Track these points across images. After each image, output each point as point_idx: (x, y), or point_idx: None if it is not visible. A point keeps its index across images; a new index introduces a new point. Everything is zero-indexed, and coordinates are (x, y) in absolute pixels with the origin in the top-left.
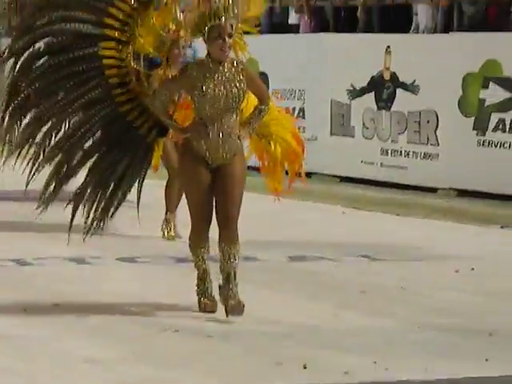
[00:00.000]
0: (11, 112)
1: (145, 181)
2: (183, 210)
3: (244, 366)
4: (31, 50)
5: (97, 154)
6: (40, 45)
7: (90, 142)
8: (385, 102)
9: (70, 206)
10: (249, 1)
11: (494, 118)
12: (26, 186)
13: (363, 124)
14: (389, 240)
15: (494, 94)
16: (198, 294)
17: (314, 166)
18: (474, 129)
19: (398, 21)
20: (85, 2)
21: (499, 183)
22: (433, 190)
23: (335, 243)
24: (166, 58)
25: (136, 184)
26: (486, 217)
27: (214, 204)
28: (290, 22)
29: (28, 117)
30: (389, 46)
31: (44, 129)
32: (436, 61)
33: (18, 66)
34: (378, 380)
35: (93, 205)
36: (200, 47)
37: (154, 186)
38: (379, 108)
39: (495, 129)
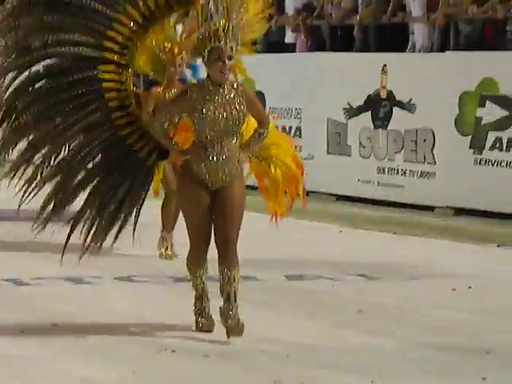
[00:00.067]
0: (6, 135)
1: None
2: (180, 230)
3: None
4: (28, 72)
5: (97, 178)
6: (38, 67)
7: (89, 166)
8: (381, 121)
9: (67, 227)
10: (249, 24)
11: (491, 136)
12: (19, 206)
13: (360, 143)
14: (386, 259)
15: (490, 113)
16: (195, 314)
17: (310, 185)
18: (470, 147)
19: (394, 40)
20: (83, 24)
21: (496, 202)
22: (430, 209)
23: (332, 262)
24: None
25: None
26: (483, 235)
27: (212, 226)
28: (286, 41)
29: (25, 142)
30: (385, 65)
31: (42, 151)
32: (432, 79)
33: (14, 87)
34: None
35: (92, 228)
36: (200, 65)
37: (151, 205)
38: (376, 127)
39: (492, 147)
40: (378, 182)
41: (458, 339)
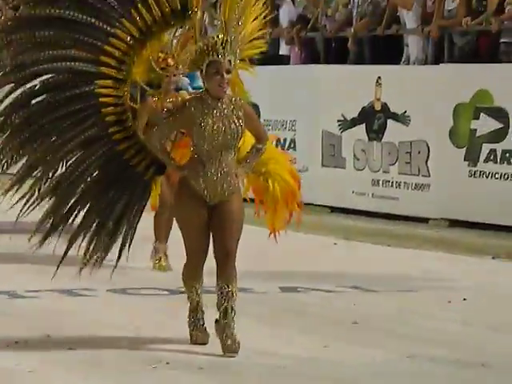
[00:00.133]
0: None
1: None
2: (173, 242)
3: None
4: (24, 88)
5: (95, 193)
6: (34, 82)
7: (87, 181)
8: (376, 133)
9: (64, 242)
10: (248, 38)
11: (486, 148)
12: (16, 219)
13: (354, 155)
14: (380, 271)
15: (485, 125)
16: (189, 326)
17: (305, 197)
18: (465, 159)
19: (388, 52)
20: (79, 39)
21: (491, 214)
22: (424, 221)
23: (327, 274)
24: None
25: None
26: (478, 247)
27: (209, 240)
28: (280, 53)
29: (23, 158)
30: (380, 77)
31: (40, 168)
32: (427, 92)
33: (10, 101)
34: None
35: (91, 243)
36: (198, 74)
37: (146, 217)
38: (370, 139)
39: (486, 159)
40: (373, 194)
41: (453, 351)
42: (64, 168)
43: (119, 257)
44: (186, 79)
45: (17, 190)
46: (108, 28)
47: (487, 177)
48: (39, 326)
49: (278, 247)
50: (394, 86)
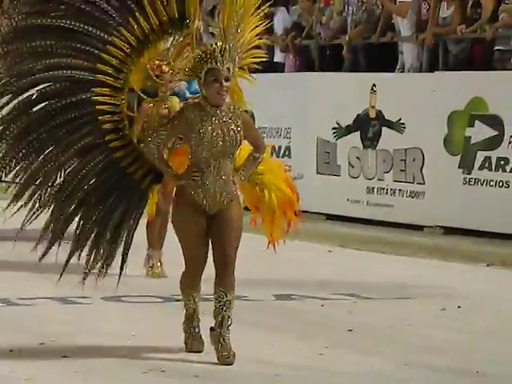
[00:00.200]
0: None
1: None
2: (168, 249)
3: None
4: (22, 98)
5: (93, 202)
6: (33, 92)
7: (85, 190)
8: (370, 141)
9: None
10: (247, 46)
11: (480, 156)
12: (21, 228)
13: (349, 162)
14: (375, 278)
15: (479, 132)
16: (185, 334)
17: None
18: (459, 167)
19: (383, 60)
20: (76, 47)
21: (485, 221)
22: (419, 228)
23: (322, 282)
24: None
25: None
26: (473, 255)
27: (208, 249)
28: (275, 60)
29: (22, 171)
30: (374, 85)
31: (39, 177)
32: (421, 99)
33: (7, 112)
34: None
35: (91, 253)
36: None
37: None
38: (365, 146)
39: (481, 167)
40: (368, 202)
41: (448, 359)
42: (62, 177)
43: (122, 266)
44: (184, 83)
45: (17, 200)
46: (105, 36)
47: (482, 184)
48: (34, 333)
49: (273, 255)
50: (388, 94)
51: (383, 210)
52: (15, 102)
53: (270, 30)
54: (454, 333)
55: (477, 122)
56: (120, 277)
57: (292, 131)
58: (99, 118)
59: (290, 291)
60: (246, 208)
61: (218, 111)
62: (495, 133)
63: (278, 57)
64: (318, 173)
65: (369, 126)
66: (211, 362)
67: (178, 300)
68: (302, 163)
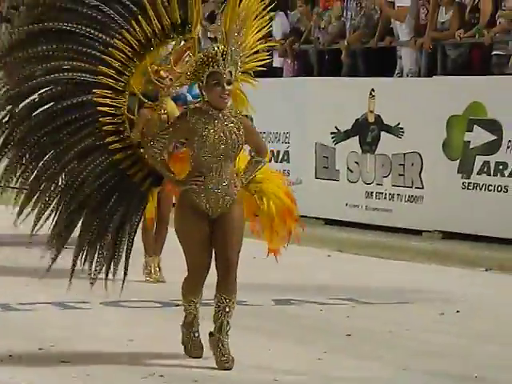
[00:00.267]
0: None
1: None
2: (167, 255)
3: None
4: (24, 103)
5: (94, 205)
6: (34, 97)
7: (86, 192)
8: (369, 145)
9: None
10: (249, 50)
11: (479, 160)
12: (31, 235)
13: (348, 167)
14: (374, 283)
15: (478, 137)
16: (184, 339)
17: (298, 209)
18: (458, 171)
19: (382, 64)
20: (78, 50)
21: (484, 226)
22: (418, 233)
23: (320, 286)
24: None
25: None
26: (471, 259)
27: (211, 255)
28: (273, 65)
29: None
30: (373, 90)
31: (44, 182)
32: (420, 104)
33: (10, 118)
34: None
35: (93, 256)
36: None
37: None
38: (364, 151)
39: (480, 171)
40: (366, 207)
41: (447, 363)
42: (63, 180)
43: (126, 271)
44: (185, 87)
45: (25, 207)
46: (107, 39)
47: (481, 189)
48: (33, 339)
49: (272, 260)
50: (387, 99)
51: (382, 214)
52: (18, 107)
53: (268, 35)
54: (452, 337)
55: (475, 126)
56: (124, 280)
57: (291, 136)
58: (100, 119)
59: (288, 296)
60: None
61: (220, 114)
62: (494, 137)
63: (277, 62)
64: (316, 177)
65: (367, 131)
66: (210, 367)
67: (177, 305)
68: (301, 168)
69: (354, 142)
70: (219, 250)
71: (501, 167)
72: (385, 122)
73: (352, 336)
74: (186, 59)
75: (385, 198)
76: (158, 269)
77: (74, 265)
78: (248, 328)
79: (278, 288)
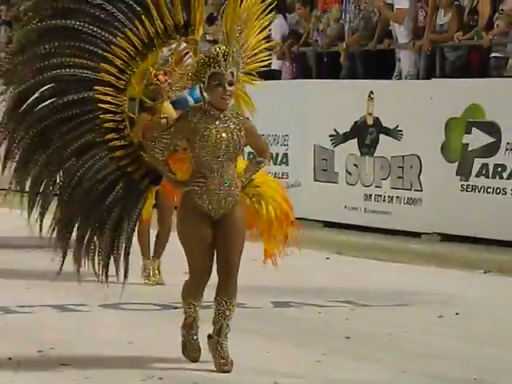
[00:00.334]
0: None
1: None
2: (167, 258)
3: None
4: (27, 101)
5: (92, 201)
6: (36, 95)
7: (85, 189)
8: (368, 148)
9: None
10: (251, 51)
11: (478, 163)
12: (41, 233)
13: (346, 170)
14: (373, 285)
15: (477, 139)
16: (182, 341)
17: (297, 212)
18: (457, 174)
19: (380, 67)
20: (80, 47)
21: (483, 228)
22: (416, 235)
23: (319, 289)
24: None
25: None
26: (470, 262)
27: (214, 257)
28: (272, 67)
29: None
30: (372, 92)
31: (45, 180)
32: (419, 106)
33: (15, 115)
34: None
35: (94, 253)
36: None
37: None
38: (362, 153)
39: (478, 174)
40: (365, 209)
41: (445, 366)
42: (62, 177)
43: (126, 272)
44: (185, 91)
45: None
46: (110, 37)
47: (479, 191)
48: (32, 341)
49: (270, 261)
50: (386, 101)
51: (381, 217)
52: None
53: (267, 38)
54: (451, 340)
55: (474, 129)
56: (124, 282)
57: (289, 138)
58: (101, 116)
59: (287, 298)
60: None
61: (221, 115)
62: (492, 140)
63: (275, 64)
64: (315, 180)
65: (366, 133)
66: (209, 370)
67: (175, 307)
68: (300, 170)
69: (352, 145)
70: (221, 252)
71: (499, 169)
72: (383, 125)
73: (351, 338)
74: (187, 62)
75: (384, 200)
76: (157, 271)
77: (78, 266)
78: (247, 330)
79: (277, 290)
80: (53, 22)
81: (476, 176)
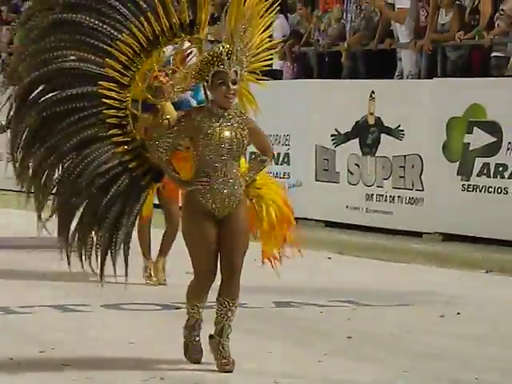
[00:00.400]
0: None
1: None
2: (171, 258)
3: None
4: (32, 94)
5: (91, 195)
6: (41, 87)
7: (85, 182)
8: (369, 148)
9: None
10: (255, 49)
11: (479, 162)
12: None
13: (348, 169)
14: (374, 285)
15: (478, 139)
16: (184, 342)
17: (298, 212)
18: (458, 173)
19: (382, 66)
20: (85, 41)
21: (484, 228)
22: (418, 235)
23: (321, 289)
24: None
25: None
26: (471, 261)
27: (219, 257)
28: (273, 67)
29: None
30: (373, 92)
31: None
32: (420, 106)
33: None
34: None
35: (92, 248)
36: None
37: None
38: (364, 153)
39: (480, 173)
40: (367, 209)
41: (447, 366)
42: (61, 172)
43: (126, 268)
44: (189, 92)
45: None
46: (115, 33)
47: (480, 191)
48: (33, 341)
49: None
50: (387, 101)
51: (382, 216)
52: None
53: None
54: (453, 339)
55: (475, 128)
56: (126, 277)
57: (291, 138)
58: (104, 111)
59: (289, 298)
60: None
61: (225, 113)
62: (494, 139)
63: (276, 64)
64: (316, 180)
65: (368, 133)
66: (210, 370)
67: (177, 308)
68: (301, 170)
69: (354, 145)
70: (225, 253)
71: (501, 169)
72: (385, 124)
73: (352, 338)
74: (190, 61)
75: (385, 200)
76: (162, 269)
77: (80, 260)
78: (248, 330)
79: (278, 290)
80: (58, 15)
81: (477, 176)
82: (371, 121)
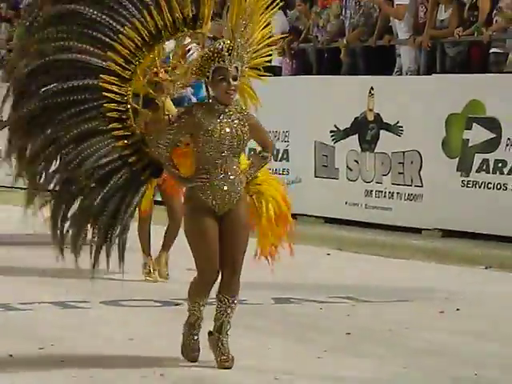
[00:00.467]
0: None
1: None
2: (174, 254)
3: None
4: (30, 85)
5: (90, 189)
6: (41, 77)
7: (83, 174)
8: (368, 144)
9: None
10: (256, 45)
11: (478, 158)
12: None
13: (347, 165)
14: (374, 281)
15: (477, 135)
16: (183, 339)
17: (298, 208)
18: (457, 169)
19: (381, 62)
20: (88, 33)
21: (483, 224)
22: (417, 231)
23: (320, 285)
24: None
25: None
26: (471, 257)
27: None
28: (272, 63)
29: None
30: (372, 88)
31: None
32: (419, 102)
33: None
34: None
35: (85, 242)
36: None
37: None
38: (363, 149)
39: (479, 169)
40: (366, 205)
41: (446, 362)
42: (58, 165)
43: (120, 262)
44: (190, 89)
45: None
46: (118, 26)
47: (480, 187)
48: (33, 338)
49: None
50: (386, 97)
51: (381, 212)
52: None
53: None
54: (452, 336)
55: (474, 124)
56: (122, 274)
57: (290, 134)
58: (105, 105)
59: (288, 294)
60: None
61: (226, 109)
62: (493, 135)
63: (276, 60)
64: (316, 176)
65: (367, 129)
66: (210, 366)
67: (176, 304)
68: (300, 166)
69: (353, 141)
70: (226, 250)
71: (500, 165)
72: (384, 121)
73: (352, 334)
74: (191, 57)
75: (384, 196)
76: (165, 264)
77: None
78: (248, 327)
79: (278, 286)
80: (60, 6)
81: (476, 172)
82: (370, 117)
